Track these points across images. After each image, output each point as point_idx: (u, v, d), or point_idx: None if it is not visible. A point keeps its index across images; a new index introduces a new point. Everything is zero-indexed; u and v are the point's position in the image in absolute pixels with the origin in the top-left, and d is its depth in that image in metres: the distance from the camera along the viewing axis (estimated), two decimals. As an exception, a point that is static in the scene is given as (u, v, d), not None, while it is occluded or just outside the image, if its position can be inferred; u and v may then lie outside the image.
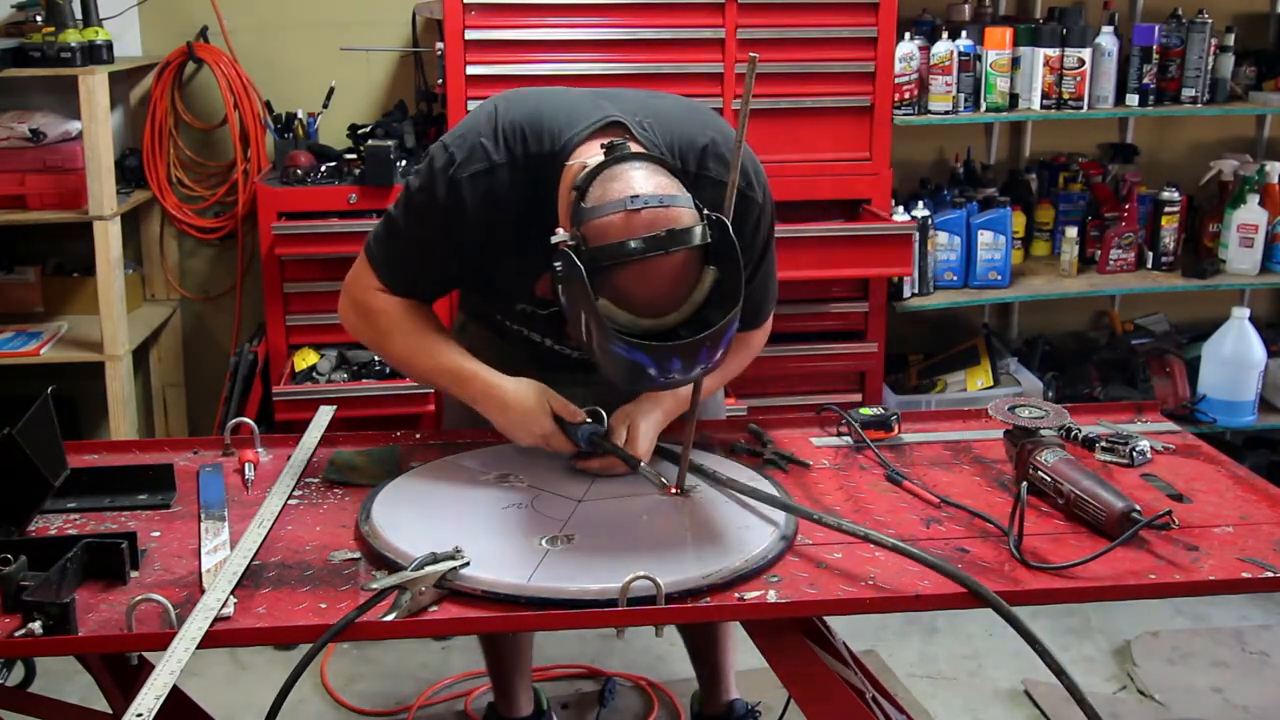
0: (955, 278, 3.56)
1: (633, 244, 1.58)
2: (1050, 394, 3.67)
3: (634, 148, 1.72)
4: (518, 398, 1.88)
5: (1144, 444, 1.99)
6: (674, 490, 1.84)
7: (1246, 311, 3.63)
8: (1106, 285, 3.68)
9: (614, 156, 1.68)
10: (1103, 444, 2.00)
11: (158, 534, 1.73)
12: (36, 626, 1.44)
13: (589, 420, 1.89)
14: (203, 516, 1.78)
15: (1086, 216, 3.79)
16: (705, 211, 1.66)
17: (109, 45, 3.24)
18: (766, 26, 3.18)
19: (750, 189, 1.86)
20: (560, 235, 1.66)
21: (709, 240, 1.63)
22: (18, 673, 2.75)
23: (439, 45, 3.12)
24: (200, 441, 2.10)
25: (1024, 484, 1.72)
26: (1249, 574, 1.64)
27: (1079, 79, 3.47)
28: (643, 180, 1.64)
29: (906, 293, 3.46)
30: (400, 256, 1.94)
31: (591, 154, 1.74)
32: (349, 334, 2.03)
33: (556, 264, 1.64)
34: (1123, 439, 2.00)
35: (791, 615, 1.61)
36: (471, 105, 3.11)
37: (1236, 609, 3.25)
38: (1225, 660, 3.02)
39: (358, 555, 1.67)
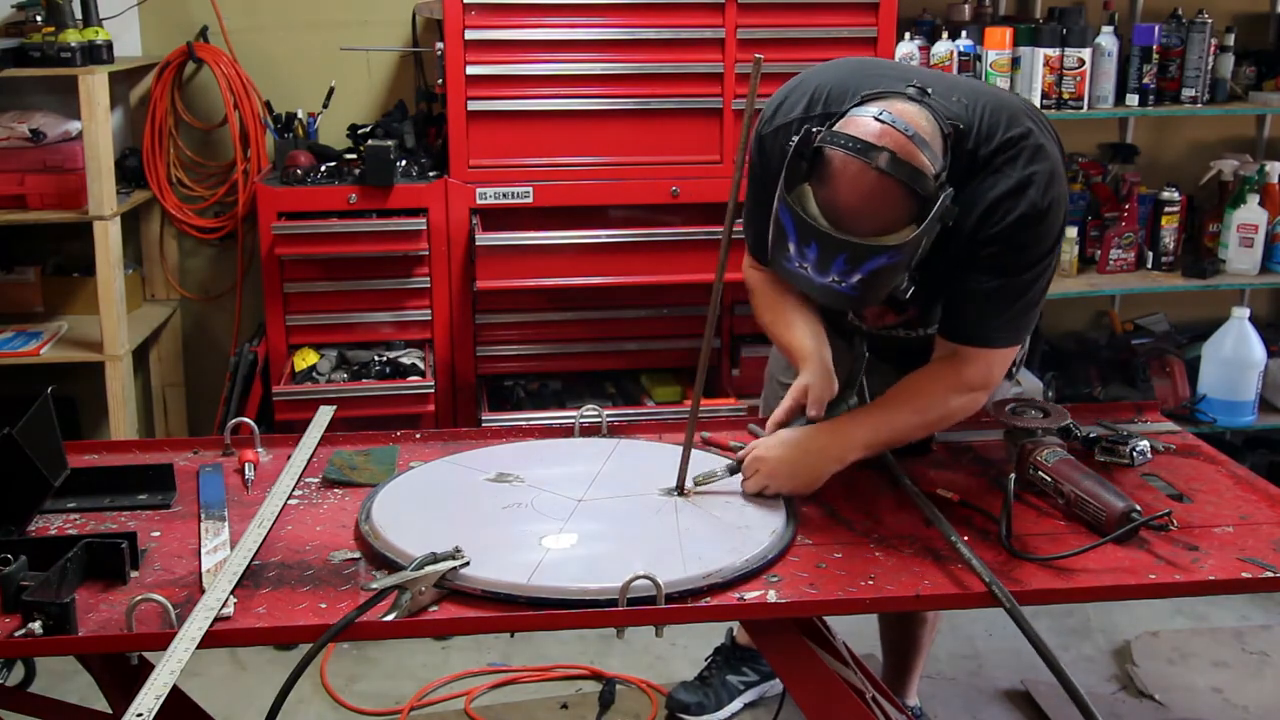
0: (955, 278, 3.55)
1: (854, 140, 1.63)
2: (1050, 394, 3.67)
3: (915, 106, 1.72)
4: (803, 374, 1.91)
5: (1144, 444, 1.99)
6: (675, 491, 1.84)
7: (1246, 311, 3.63)
8: (1106, 285, 3.68)
9: (899, 95, 1.72)
10: (1103, 444, 2.00)
11: (158, 534, 1.73)
12: (36, 626, 1.44)
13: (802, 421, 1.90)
14: (203, 516, 1.78)
15: (1086, 216, 3.79)
16: (943, 181, 1.66)
17: (109, 45, 3.24)
18: (766, 26, 3.18)
19: (1031, 189, 1.75)
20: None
21: (925, 196, 1.63)
22: (18, 673, 2.75)
23: (439, 45, 3.11)
24: (200, 441, 2.10)
25: (1011, 475, 1.72)
26: (1249, 574, 1.65)
27: (1079, 79, 3.47)
28: (906, 110, 1.68)
29: (907, 293, 3.46)
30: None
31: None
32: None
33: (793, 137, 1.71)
34: (1123, 439, 2.00)
35: (791, 615, 1.61)
36: (471, 105, 3.12)
37: (1236, 609, 3.25)
38: (1225, 660, 3.02)
39: (358, 555, 1.67)
